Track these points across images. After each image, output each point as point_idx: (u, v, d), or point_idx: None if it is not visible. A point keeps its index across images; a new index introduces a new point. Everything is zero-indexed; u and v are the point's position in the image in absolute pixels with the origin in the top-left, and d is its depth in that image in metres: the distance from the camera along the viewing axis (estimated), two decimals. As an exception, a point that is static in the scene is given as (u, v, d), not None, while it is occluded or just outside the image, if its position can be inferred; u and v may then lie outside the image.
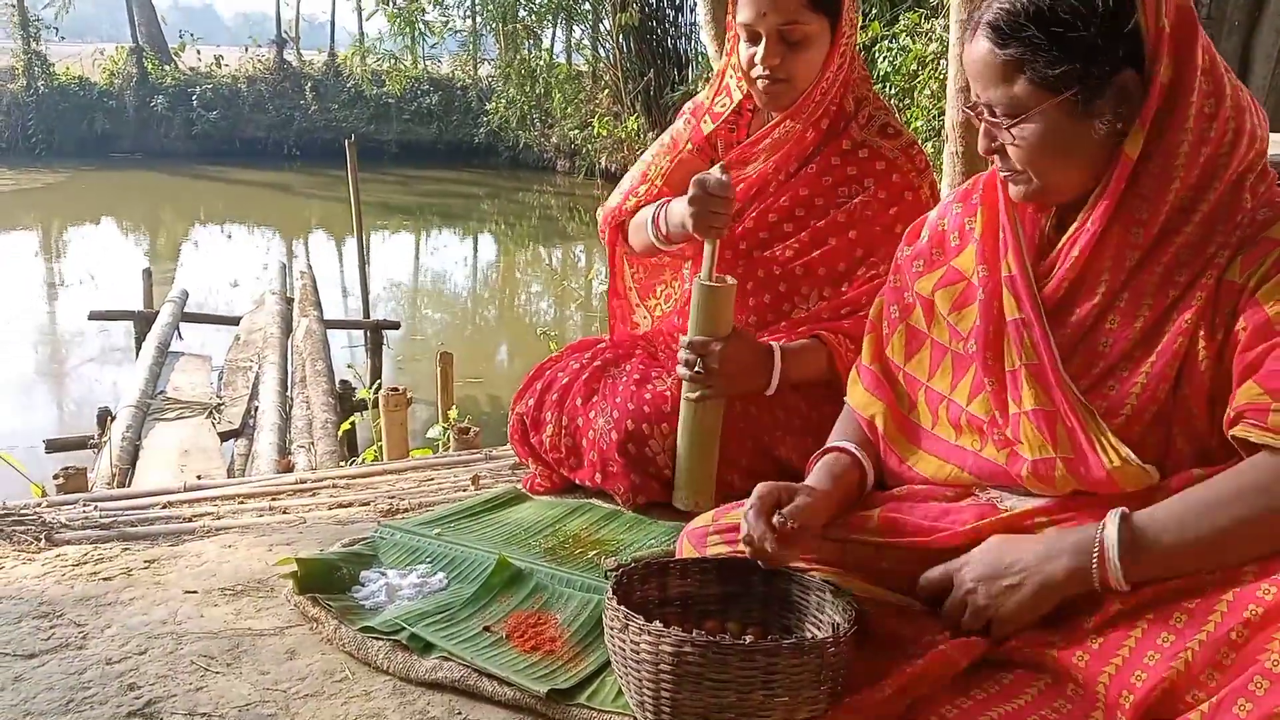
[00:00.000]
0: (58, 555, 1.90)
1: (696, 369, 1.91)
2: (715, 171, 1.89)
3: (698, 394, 1.95)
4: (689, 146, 2.21)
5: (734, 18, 2.02)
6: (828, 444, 1.59)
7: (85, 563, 1.86)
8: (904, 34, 7.61)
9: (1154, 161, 1.27)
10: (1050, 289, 1.36)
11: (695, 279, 1.94)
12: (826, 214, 2.06)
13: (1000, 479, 1.42)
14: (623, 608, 1.30)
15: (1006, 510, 1.40)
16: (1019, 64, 1.26)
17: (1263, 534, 1.20)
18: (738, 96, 2.13)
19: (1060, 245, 1.36)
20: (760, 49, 1.96)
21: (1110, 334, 1.32)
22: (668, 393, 2.06)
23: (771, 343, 2.01)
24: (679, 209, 2.00)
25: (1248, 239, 1.26)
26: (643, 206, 2.21)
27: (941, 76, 6.70)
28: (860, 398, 1.61)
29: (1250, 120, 1.29)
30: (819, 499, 1.43)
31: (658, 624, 1.26)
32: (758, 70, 1.99)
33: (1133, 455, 1.28)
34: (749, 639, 1.25)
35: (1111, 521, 1.24)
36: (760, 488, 1.41)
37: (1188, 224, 1.27)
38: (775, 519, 1.37)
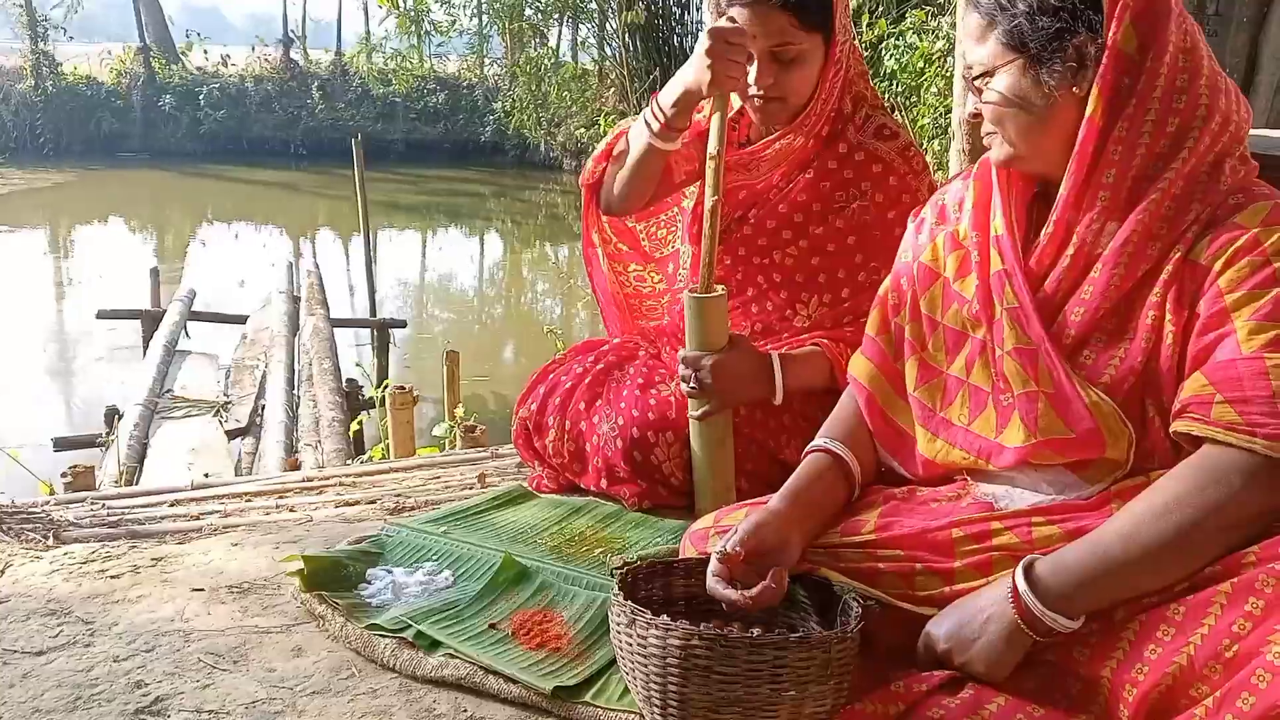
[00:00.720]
0: (65, 553, 1.91)
1: (693, 384, 1.90)
2: (725, 23, 1.84)
3: (700, 411, 1.93)
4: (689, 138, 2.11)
5: None
6: (812, 443, 1.58)
7: (93, 561, 1.87)
8: (910, 31, 7.59)
9: (1120, 128, 1.31)
10: (1034, 261, 1.40)
11: (686, 291, 1.92)
12: (825, 220, 2.03)
13: (986, 453, 1.43)
14: (630, 603, 1.31)
15: (1003, 509, 1.40)
16: (989, 24, 1.36)
17: (1215, 532, 1.21)
18: (736, 103, 2.08)
19: (1049, 221, 1.40)
20: (752, 70, 1.93)
21: (1082, 302, 1.35)
22: (672, 398, 2.05)
23: (771, 351, 1.98)
24: (683, 75, 1.92)
25: (1217, 220, 1.28)
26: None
27: (948, 73, 6.69)
28: (859, 365, 1.63)
29: (1226, 103, 1.32)
30: (772, 517, 1.43)
31: (665, 618, 1.26)
32: (751, 90, 1.95)
33: (1105, 397, 1.31)
34: (756, 633, 1.26)
35: (1017, 575, 1.26)
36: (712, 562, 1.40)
37: (1154, 190, 1.30)
38: (717, 550, 1.39)
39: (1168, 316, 1.29)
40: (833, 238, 2.04)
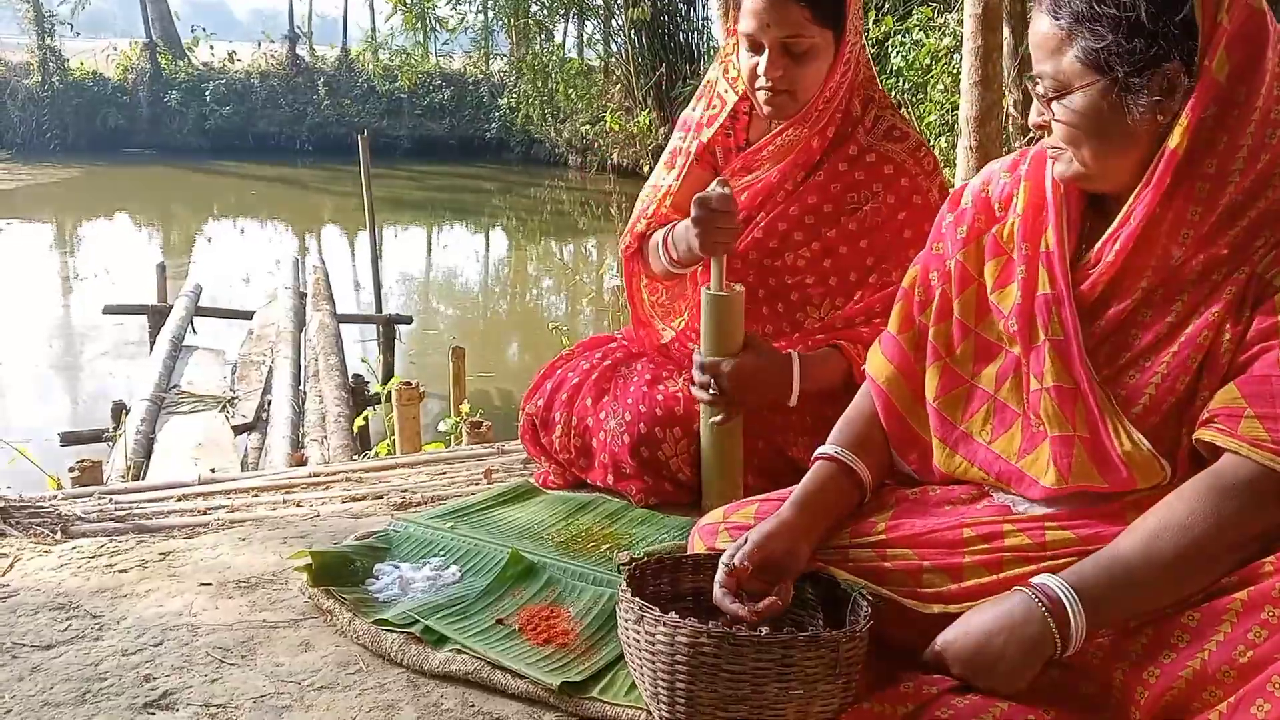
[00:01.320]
0: (73, 547, 1.91)
1: (712, 390, 1.89)
2: (715, 187, 1.85)
3: (719, 417, 1.92)
4: (692, 160, 2.13)
5: (735, 25, 1.97)
6: (820, 449, 1.55)
7: (100, 555, 1.88)
8: (917, 29, 7.58)
9: (1210, 164, 1.24)
10: (1088, 286, 1.34)
11: (703, 289, 1.92)
12: (837, 222, 2.02)
13: (1003, 475, 1.41)
14: (638, 599, 1.31)
15: (1020, 514, 1.39)
16: (1069, 38, 1.26)
17: (1232, 546, 1.20)
18: (731, 100, 2.08)
19: (1102, 240, 1.34)
20: (763, 60, 1.92)
21: (1143, 325, 1.31)
22: (679, 394, 2.04)
23: (791, 351, 1.97)
24: (683, 231, 1.96)
25: None
26: (654, 228, 2.16)
27: (955, 71, 6.67)
28: (877, 364, 1.58)
29: None
30: (781, 527, 1.41)
31: (673, 615, 1.26)
32: (760, 81, 1.95)
33: (1145, 441, 1.27)
34: (763, 631, 1.25)
35: (1060, 588, 1.22)
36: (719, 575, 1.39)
37: (1234, 228, 1.26)
38: (724, 563, 1.38)
39: (1225, 332, 1.25)
40: (845, 240, 2.02)
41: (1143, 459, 1.27)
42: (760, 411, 2.01)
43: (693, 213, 1.85)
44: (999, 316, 1.43)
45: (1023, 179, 1.45)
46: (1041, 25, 1.29)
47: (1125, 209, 1.30)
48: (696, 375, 1.92)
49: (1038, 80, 1.32)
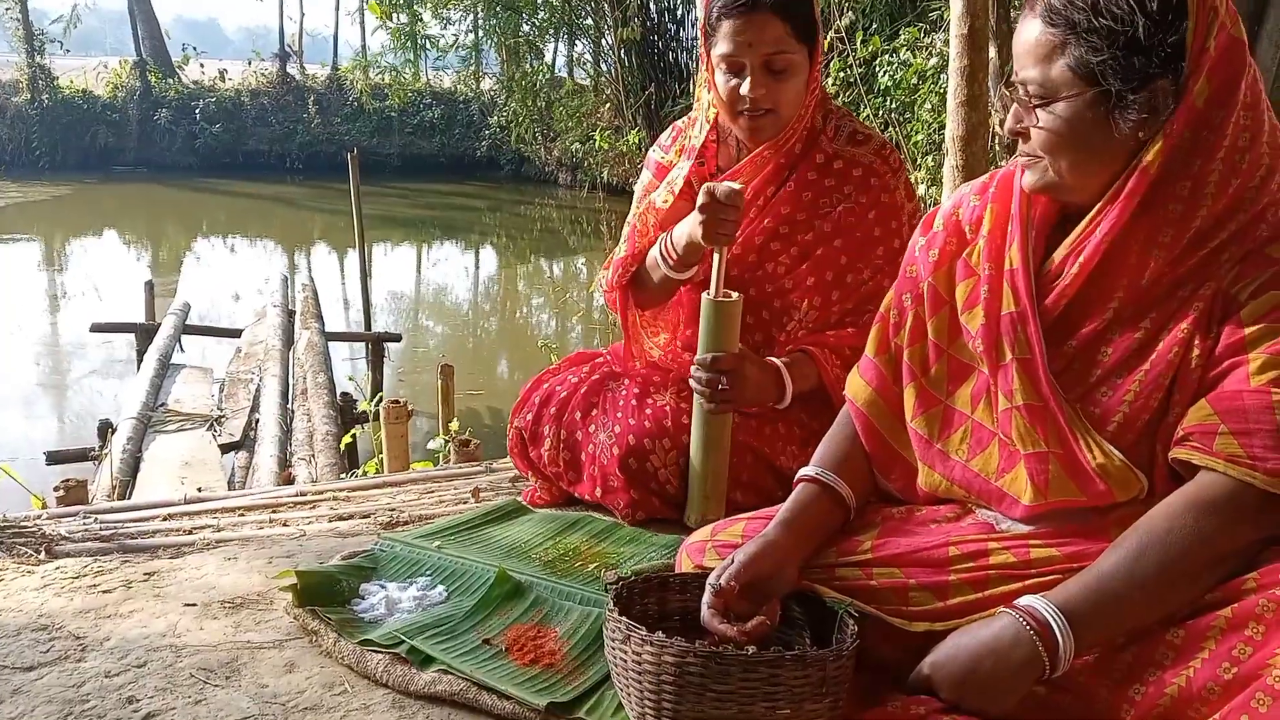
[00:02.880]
0: (57, 568, 1.90)
1: (721, 385, 1.90)
2: (724, 183, 1.88)
3: (714, 406, 1.93)
4: (669, 198, 2.14)
5: (709, 53, 1.99)
6: (803, 471, 1.55)
7: (85, 575, 1.86)
8: (904, 49, 7.63)
9: (1183, 186, 1.25)
10: (1051, 300, 1.35)
11: (704, 295, 1.94)
12: (812, 227, 2.07)
13: (983, 494, 1.41)
14: (625, 619, 1.30)
15: (1005, 531, 1.40)
16: (1061, 46, 1.26)
17: (1212, 562, 1.21)
18: (705, 128, 2.10)
19: (1065, 251, 1.35)
20: (745, 81, 1.94)
21: (1110, 342, 1.32)
22: (668, 407, 2.06)
23: (776, 360, 2.02)
24: (685, 226, 1.99)
25: (1251, 252, 1.26)
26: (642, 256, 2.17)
27: (942, 90, 6.72)
28: (856, 386, 1.60)
29: None
30: (768, 547, 1.42)
31: (660, 635, 1.25)
32: (742, 104, 1.96)
33: (1116, 452, 1.28)
34: (750, 651, 1.25)
35: (1049, 611, 1.22)
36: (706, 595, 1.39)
37: (1204, 249, 1.27)
38: (711, 584, 1.38)
39: (1195, 347, 1.26)
40: (820, 241, 2.07)
41: (1117, 470, 1.28)
42: (742, 419, 2.03)
43: (700, 201, 1.87)
44: (968, 338, 1.44)
45: (990, 201, 1.46)
46: (1032, 30, 1.29)
47: (1088, 220, 1.32)
48: (699, 374, 1.93)
49: (1019, 85, 1.32)
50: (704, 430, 1.97)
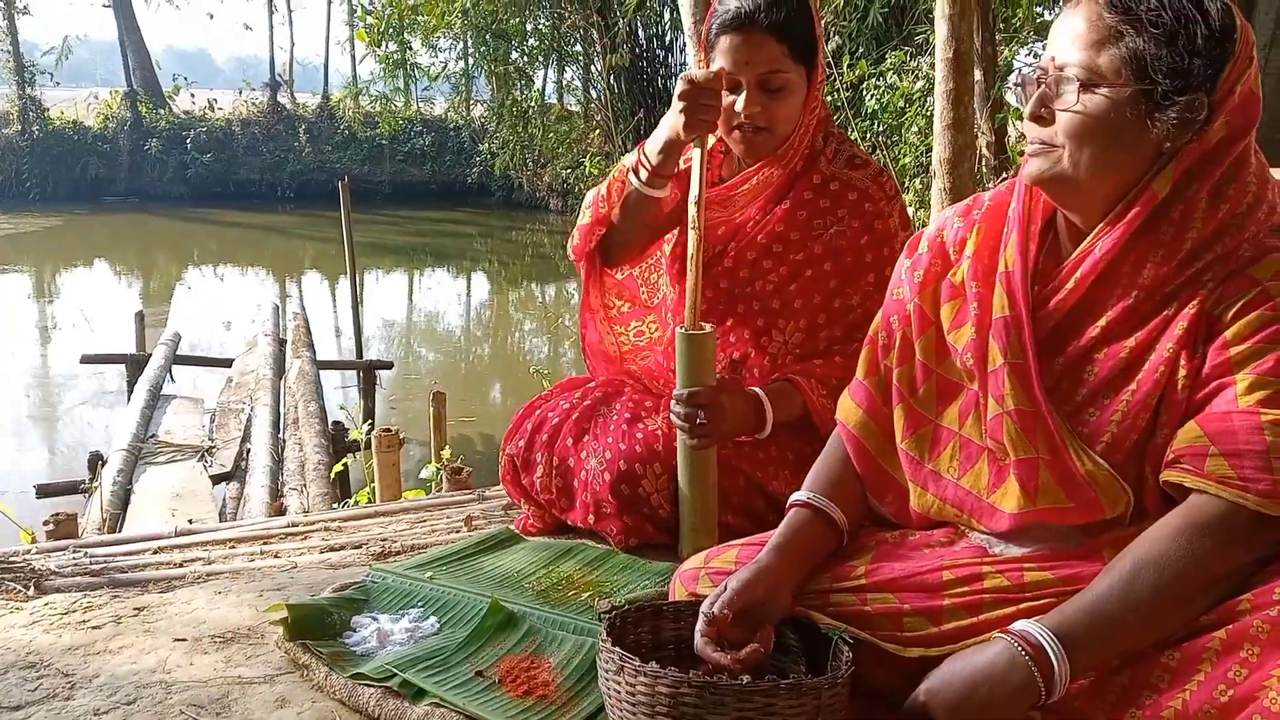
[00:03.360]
0: (46, 604, 1.88)
1: (699, 420, 1.89)
2: (703, 70, 1.87)
3: (695, 442, 1.93)
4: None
5: (707, 64, 2.00)
6: (795, 496, 1.55)
7: (74, 611, 1.85)
8: (891, 72, 7.69)
9: (1175, 210, 1.27)
10: (1053, 306, 1.36)
11: (677, 330, 1.93)
12: (804, 247, 2.07)
13: (976, 512, 1.41)
14: (618, 649, 1.29)
15: (998, 555, 1.40)
16: (1120, 34, 1.23)
17: (1206, 585, 1.21)
18: (710, 140, 2.08)
19: (1069, 261, 1.35)
20: (741, 98, 1.96)
21: (1097, 362, 1.33)
22: (659, 431, 2.06)
23: (756, 390, 2.02)
24: (661, 128, 1.97)
25: (1234, 272, 1.27)
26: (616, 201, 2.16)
27: (928, 113, 6.77)
28: (847, 409, 1.59)
29: (1271, 193, 1.29)
30: (761, 573, 1.41)
31: (654, 665, 1.25)
32: (738, 119, 1.98)
33: (1103, 462, 1.28)
34: (745, 680, 1.24)
35: (1045, 636, 1.22)
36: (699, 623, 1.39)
37: (1190, 269, 1.28)
38: (704, 612, 1.37)
39: (1181, 367, 1.27)
40: (811, 263, 2.07)
41: (1105, 479, 1.29)
42: (734, 445, 2.03)
43: (679, 87, 1.86)
44: (956, 355, 1.45)
45: (976, 222, 1.47)
46: (1089, 13, 1.26)
47: (1092, 236, 1.32)
48: (679, 409, 1.93)
49: (1052, 68, 1.28)
50: (689, 465, 1.96)
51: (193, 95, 22.79)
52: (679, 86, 1.88)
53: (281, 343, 8.29)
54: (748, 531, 1.74)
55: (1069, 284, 1.34)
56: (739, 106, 1.96)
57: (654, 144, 2.01)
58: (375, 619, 1.75)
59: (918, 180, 6.94)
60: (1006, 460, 1.37)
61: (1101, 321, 1.32)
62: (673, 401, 1.94)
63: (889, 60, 7.81)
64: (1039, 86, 1.29)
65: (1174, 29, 1.21)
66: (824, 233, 2.07)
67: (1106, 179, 1.29)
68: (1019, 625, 1.25)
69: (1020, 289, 1.36)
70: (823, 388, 2.02)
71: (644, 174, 2.04)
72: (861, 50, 8.59)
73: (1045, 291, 1.37)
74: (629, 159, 2.13)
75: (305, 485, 5.17)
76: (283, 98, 22.81)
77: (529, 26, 18.25)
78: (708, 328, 1.93)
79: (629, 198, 2.11)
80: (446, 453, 4.81)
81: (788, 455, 2.08)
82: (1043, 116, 1.30)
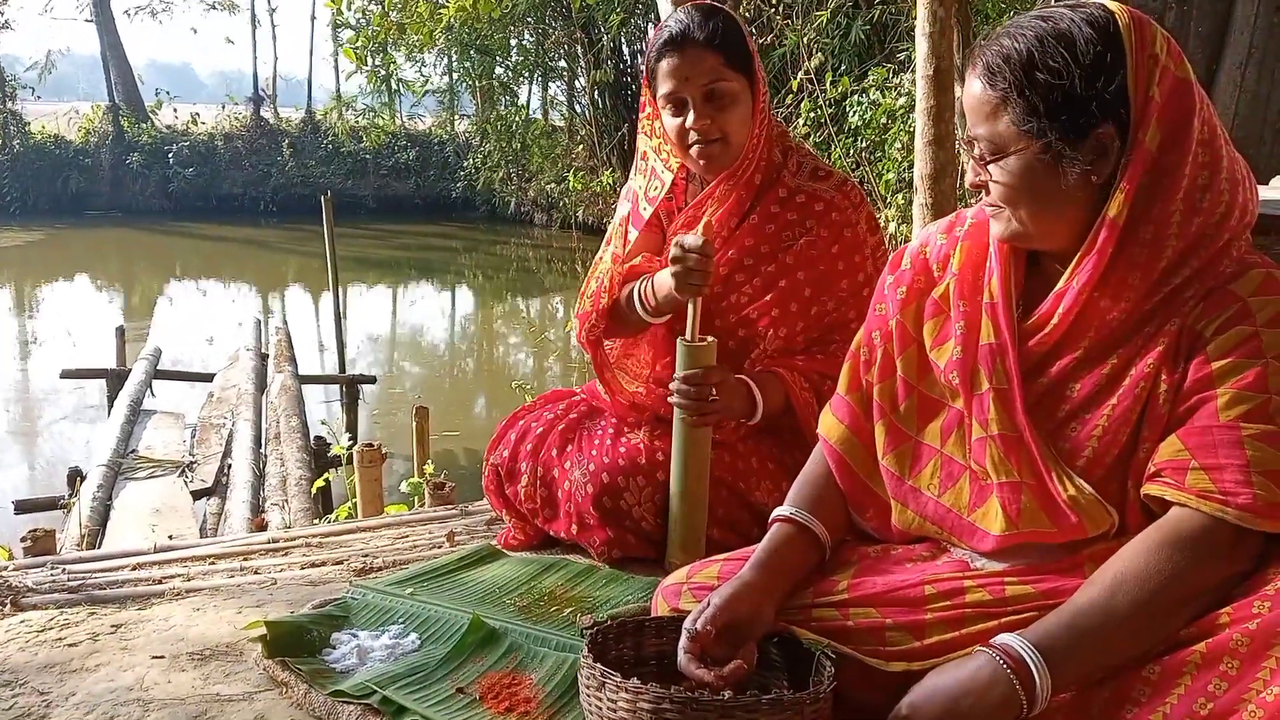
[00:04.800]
0: (22, 621, 1.86)
1: (712, 396, 1.92)
2: (692, 235, 1.91)
3: (697, 420, 1.94)
4: (633, 231, 2.19)
5: (653, 96, 2.06)
6: (777, 511, 1.55)
7: (50, 628, 1.83)
8: (873, 89, 7.74)
9: (1146, 230, 1.27)
10: (1035, 343, 1.36)
11: (679, 340, 1.97)
12: (775, 259, 2.09)
13: (956, 530, 1.42)
14: (599, 665, 1.29)
15: (979, 569, 1.40)
16: (1003, 104, 1.29)
17: (1187, 599, 1.21)
18: (667, 176, 2.14)
19: (1049, 301, 1.35)
20: (690, 115, 2.00)
21: (1078, 379, 1.34)
22: (642, 445, 2.07)
23: (744, 377, 2.05)
24: (663, 277, 2.02)
25: (1215, 289, 1.27)
26: (615, 294, 2.19)
27: (911, 129, 6.82)
28: (829, 424, 1.60)
29: (1243, 194, 1.30)
30: (744, 589, 1.41)
31: (635, 681, 1.24)
32: (691, 136, 2.02)
33: (1088, 487, 1.29)
34: (727, 695, 1.24)
35: (1027, 650, 1.22)
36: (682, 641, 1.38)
37: (1169, 285, 1.29)
38: (686, 628, 1.37)
39: (1161, 382, 1.27)
40: (783, 273, 2.09)
41: (1088, 503, 1.29)
42: (715, 454, 2.03)
43: (671, 254, 1.92)
44: (938, 372, 1.45)
45: (960, 239, 1.48)
46: (975, 90, 1.33)
47: (1069, 272, 1.33)
48: (684, 388, 1.94)
49: (974, 143, 1.35)
50: (687, 455, 1.97)
51: (175, 109, 22.73)
52: (671, 251, 1.93)
53: (264, 357, 8.25)
54: (732, 545, 1.74)
55: (1053, 320, 1.34)
56: (689, 123, 2.01)
57: (658, 287, 2.05)
58: (355, 635, 1.74)
59: (900, 196, 6.99)
60: (988, 481, 1.37)
61: (1084, 343, 1.33)
62: (678, 382, 1.95)
63: (871, 77, 7.87)
64: (971, 160, 1.36)
65: (1050, 84, 1.25)
66: (794, 244, 2.09)
67: (1058, 225, 1.32)
68: (1001, 639, 1.25)
69: (1005, 319, 1.38)
70: (804, 381, 2.05)
71: (647, 308, 2.09)
72: (844, 67, 8.66)
73: (1030, 326, 1.37)
74: (633, 288, 2.13)
75: (287, 500, 5.14)
76: (266, 112, 22.77)
77: (513, 42, 18.32)
78: (709, 339, 1.97)
79: (629, 311, 2.15)
80: (429, 468, 4.79)
81: (769, 465, 2.10)
82: (980, 185, 1.36)
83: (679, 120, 2.03)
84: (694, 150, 2.04)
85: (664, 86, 2.02)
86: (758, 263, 2.10)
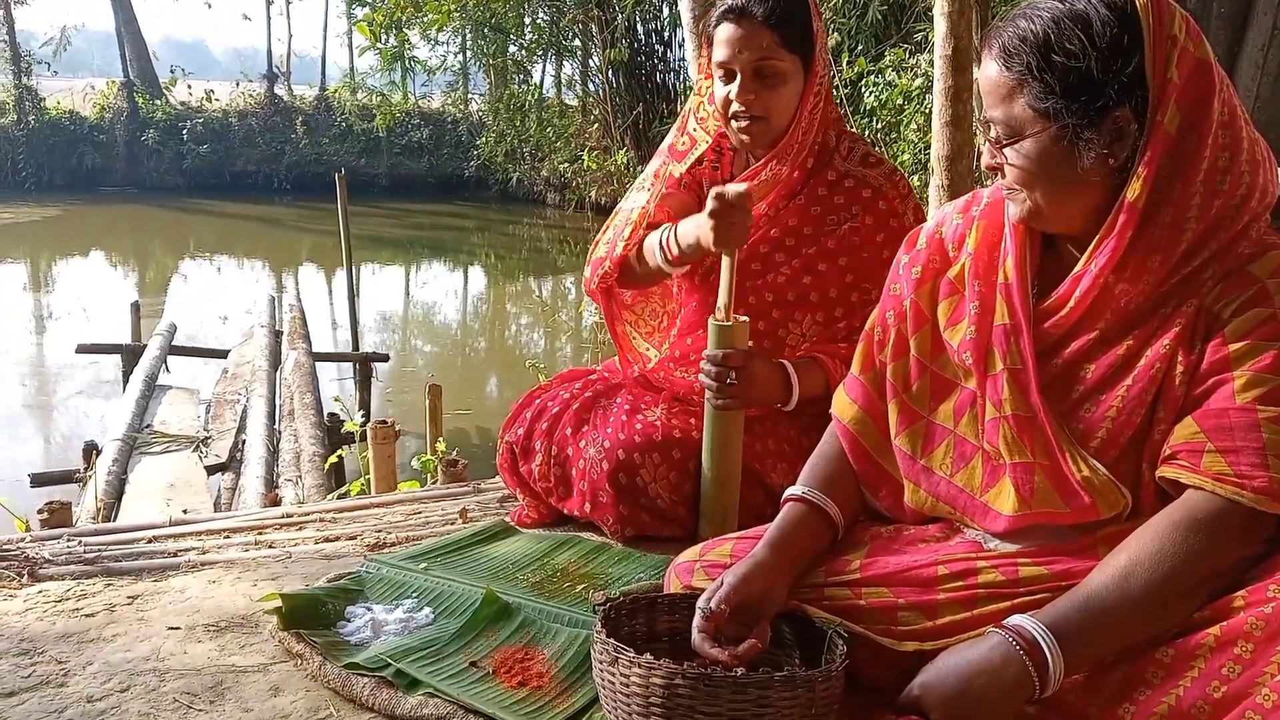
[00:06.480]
0: (40, 591, 1.88)
1: (730, 380, 1.91)
2: (734, 185, 1.89)
3: (721, 402, 1.94)
4: (680, 187, 2.20)
5: (709, 60, 2.07)
6: (790, 490, 1.55)
7: (68, 599, 1.84)
8: (889, 69, 7.69)
9: (1166, 213, 1.26)
10: (1051, 325, 1.36)
11: (710, 319, 1.95)
12: (817, 241, 2.09)
13: (968, 510, 1.41)
14: (612, 641, 1.29)
15: (993, 550, 1.40)
16: (1019, 86, 1.28)
17: (1202, 580, 1.21)
18: (703, 141, 2.14)
19: (1066, 284, 1.35)
20: (735, 87, 2.00)
21: (1093, 360, 1.33)
22: (658, 422, 2.07)
23: (784, 361, 2.03)
24: (691, 226, 2.00)
25: (1233, 270, 1.27)
26: (633, 249, 2.19)
27: (927, 111, 6.77)
28: (843, 404, 1.60)
29: (1263, 176, 1.28)
30: (757, 568, 1.41)
31: (648, 656, 1.25)
32: (734, 108, 2.02)
33: (1101, 468, 1.28)
34: (739, 672, 1.24)
35: (1039, 632, 1.22)
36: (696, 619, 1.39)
37: (1187, 267, 1.28)
38: (700, 606, 1.37)
39: (1178, 363, 1.27)
40: (824, 257, 2.09)
41: (1102, 484, 1.29)
42: (756, 418, 2.03)
43: (710, 205, 1.88)
44: (951, 352, 1.45)
45: (975, 219, 1.47)
46: (991, 72, 1.32)
47: (1087, 255, 1.32)
48: (707, 367, 1.93)
49: (989, 125, 1.34)
50: (714, 433, 1.96)
51: (189, 86, 22.73)
52: (709, 203, 1.89)
53: (277, 334, 8.27)
54: (745, 525, 1.74)
55: (1070, 303, 1.34)
56: (734, 95, 2.01)
57: (683, 238, 2.04)
58: (370, 609, 1.75)
59: (916, 177, 6.95)
60: (1001, 461, 1.37)
61: (1100, 324, 1.33)
62: (704, 361, 1.95)
63: (888, 57, 7.82)
64: (987, 142, 1.35)
65: (1067, 67, 1.24)
66: (837, 228, 2.09)
67: (1073, 207, 1.32)
68: (1014, 620, 1.25)
69: (1020, 300, 1.37)
70: (845, 368, 2.03)
71: (669, 257, 2.08)
72: (861, 47, 8.60)
73: (1047, 308, 1.37)
74: (654, 236, 2.13)
75: (300, 476, 5.17)
76: (280, 89, 22.76)
77: (527, 20, 18.25)
78: (742, 318, 1.96)
79: (647, 261, 2.15)
80: (442, 445, 4.81)
81: (785, 448, 2.10)
82: (996, 167, 1.35)
83: (726, 90, 2.03)
84: (734, 123, 2.04)
85: (718, 53, 2.02)
86: (799, 244, 2.10)
